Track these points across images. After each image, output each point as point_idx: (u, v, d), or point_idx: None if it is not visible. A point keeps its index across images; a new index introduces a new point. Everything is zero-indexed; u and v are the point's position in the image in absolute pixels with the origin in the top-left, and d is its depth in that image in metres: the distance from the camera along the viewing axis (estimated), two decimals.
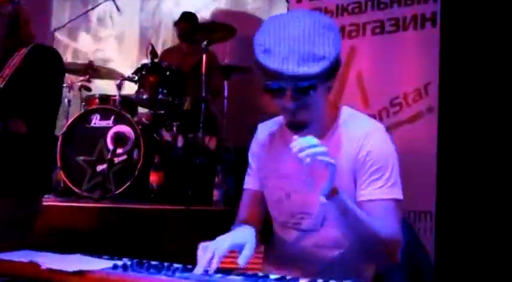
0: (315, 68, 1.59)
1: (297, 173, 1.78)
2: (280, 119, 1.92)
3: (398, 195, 1.74)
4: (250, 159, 1.99)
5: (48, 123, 2.53)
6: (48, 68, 2.48)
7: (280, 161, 1.86)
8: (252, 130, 2.06)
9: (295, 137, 1.54)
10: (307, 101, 1.67)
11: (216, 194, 3.91)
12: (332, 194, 1.56)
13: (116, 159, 3.93)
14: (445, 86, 3.54)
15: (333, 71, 1.67)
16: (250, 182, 1.97)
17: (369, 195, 1.72)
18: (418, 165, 3.34)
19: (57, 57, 2.56)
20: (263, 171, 1.92)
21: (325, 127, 1.80)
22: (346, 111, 1.85)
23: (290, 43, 1.61)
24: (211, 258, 1.50)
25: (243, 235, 1.66)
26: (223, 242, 1.57)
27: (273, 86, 1.66)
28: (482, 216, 3.43)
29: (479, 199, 3.46)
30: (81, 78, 4.50)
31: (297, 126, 1.72)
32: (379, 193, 1.71)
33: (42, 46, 2.56)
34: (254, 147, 1.97)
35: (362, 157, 1.74)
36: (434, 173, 3.45)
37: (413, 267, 2.02)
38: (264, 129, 1.97)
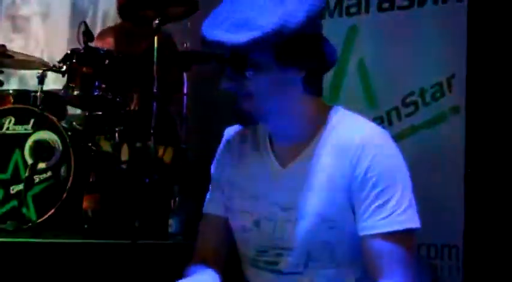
0: (239, 37, 1.62)
1: (270, 193, 1.82)
2: (251, 125, 1.94)
3: (413, 222, 1.72)
4: (213, 173, 2.00)
5: None
6: None
7: (249, 177, 1.87)
8: (221, 137, 2.06)
9: None
10: (248, 85, 1.71)
11: (172, 223, 3.88)
12: None
13: (37, 178, 3.88)
14: (474, 79, 3.57)
15: (286, 51, 1.68)
16: (211, 205, 1.98)
17: (373, 229, 1.70)
18: (440, 183, 3.36)
19: None
20: (228, 190, 1.93)
21: (309, 132, 1.81)
22: (337, 112, 1.84)
23: (231, 6, 1.70)
24: None
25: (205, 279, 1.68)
26: None
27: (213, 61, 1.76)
28: None
29: None
30: None
31: (241, 118, 1.79)
32: (385, 224, 1.69)
33: None
34: (219, 158, 1.99)
35: (360, 174, 1.72)
36: (461, 194, 3.47)
37: None
38: (232, 135, 1.98)
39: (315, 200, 1.75)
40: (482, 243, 3.48)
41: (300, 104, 1.79)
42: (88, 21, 4.82)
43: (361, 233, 1.72)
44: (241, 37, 1.62)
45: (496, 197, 3.52)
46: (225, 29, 1.64)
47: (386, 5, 3.81)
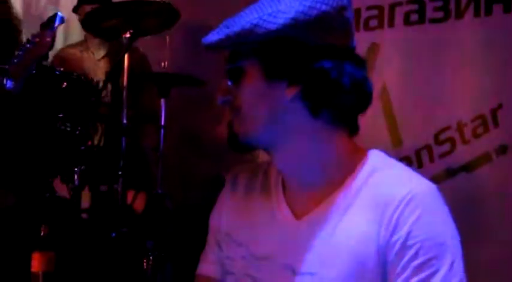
0: (217, 35, 1.75)
1: (280, 252, 1.81)
2: (262, 166, 1.96)
3: None
4: (211, 226, 2.00)
5: None
6: None
7: (257, 232, 1.86)
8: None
9: None
10: (239, 99, 1.77)
11: None
12: None
13: None
14: None
15: (274, 60, 1.72)
16: (206, 265, 1.98)
17: None
18: (483, 243, 3.34)
19: None
20: (228, 247, 1.92)
21: (334, 178, 1.79)
22: (375, 158, 1.82)
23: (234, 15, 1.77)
24: None
25: None
26: None
27: None
28: None
29: None
30: None
31: (230, 140, 1.83)
32: None
33: None
34: (219, 207, 1.99)
35: (400, 240, 1.68)
36: (510, 256, 3.45)
37: None
38: (238, 178, 1.99)
39: (338, 265, 1.72)
40: None
41: (313, 139, 1.77)
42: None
43: None
44: (218, 35, 1.75)
45: None
46: (216, 31, 1.75)
47: (415, 17, 3.82)
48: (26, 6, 6.37)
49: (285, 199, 1.85)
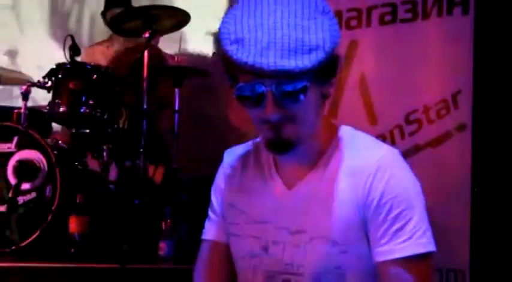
0: (305, 61, 1.58)
1: (276, 217, 1.81)
2: (255, 143, 1.93)
3: (431, 246, 1.71)
4: (213, 198, 1.98)
5: None
6: None
7: (253, 200, 1.86)
8: (214, 156, 2.06)
9: None
10: (295, 110, 1.66)
11: (163, 246, 3.88)
12: None
13: (21, 199, 3.87)
14: (480, 96, 3.57)
15: (330, 68, 1.67)
16: (211, 231, 1.96)
17: (391, 254, 1.69)
18: (445, 206, 3.36)
19: None
20: (231, 215, 1.91)
21: (317, 152, 1.80)
22: (346, 132, 1.84)
23: (269, 30, 1.61)
24: None
25: None
26: None
27: (248, 89, 1.65)
28: None
29: None
30: None
31: (281, 146, 1.72)
32: (405, 249, 1.69)
33: None
34: (219, 181, 1.97)
35: (375, 200, 1.71)
36: (467, 216, 3.47)
37: None
38: (233, 157, 1.97)
39: (325, 224, 1.74)
40: (489, 268, 3.48)
41: (320, 123, 1.80)
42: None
43: (379, 259, 1.71)
44: (303, 62, 1.58)
45: (505, 219, 3.52)
46: (279, 55, 1.57)
47: (388, 17, 3.81)
48: (53, 4, 6.34)
49: (277, 173, 1.85)
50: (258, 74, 1.60)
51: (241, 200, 1.89)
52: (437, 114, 3.63)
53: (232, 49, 1.62)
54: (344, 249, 1.73)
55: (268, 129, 1.70)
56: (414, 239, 1.69)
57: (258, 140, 1.92)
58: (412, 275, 1.69)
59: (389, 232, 1.70)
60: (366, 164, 1.75)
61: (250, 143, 1.97)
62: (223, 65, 1.69)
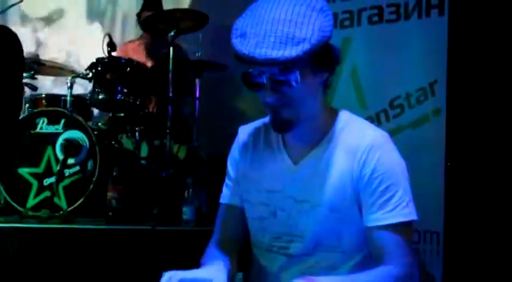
0: (291, 52, 1.58)
1: (285, 187, 1.83)
2: (265, 121, 1.92)
3: (414, 215, 1.74)
4: (229, 168, 1.98)
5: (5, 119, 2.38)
6: (6, 51, 2.35)
7: (264, 172, 1.88)
8: (229, 136, 2.06)
9: None
10: (290, 94, 1.68)
11: (185, 211, 3.91)
12: None
13: (67, 171, 3.91)
14: (454, 85, 3.57)
15: (322, 57, 1.68)
16: (228, 196, 1.96)
17: (380, 221, 1.73)
18: (423, 177, 3.36)
19: (16, 38, 2.42)
20: (244, 183, 1.92)
21: (319, 134, 1.82)
22: (344, 116, 1.85)
23: (267, 25, 1.62)
24: None
25: (212, 271, 1.67)
26: (188, 274, 1.60)
27: (250, 76, 1.69)
28: (499, 238, 3.45)
29: (496, 218, 3.47)
30: (25, 74, 4.46)
31: (281, 126, 1.75)
32: (391, 217, 1.72)
33: None
34: (235, 154, 1.97)
35: (367, 175, 1.74)
36: (442, 186, 3.48)
37: None
38: (246, 133, 1.96)
39: (325, 194, 1.77)
40: (460, 229, 3.50)
41: (320, 108, 1.81)
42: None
43: (368, 225, 1.74)
44: (292, 51, 1.58)
45: (473, 188, 3.53)
46: (271, 47, 1.59)
47: (376, 18, 3.81)
48: (89, 3, 6.33)
49: (285, 149, 1.86)
50: (252, 62, 1.63)
51: (253, 172, 1.90)
52: (417, 100, 3.63)
53: (236, 41, 1.66)
54: (340, 215, 1.76)
55: (270, 111, 1.74)
56: (398, 209, 1.72)
57: (267, 120, 1.90)
58: (395, 239, 1.71)
59: (377, 203, 1.73)
60: (361, 143, 1.77)
61: (261, 121, 1.96)
62: (234, 57, 1.69)
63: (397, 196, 1.72)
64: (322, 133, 1.81)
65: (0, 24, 2.47)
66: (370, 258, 1.77)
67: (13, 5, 4.54)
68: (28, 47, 5.85)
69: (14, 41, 2.41)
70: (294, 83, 1.65)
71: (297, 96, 1.69)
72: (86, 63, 4.38)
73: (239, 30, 1.67)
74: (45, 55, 5.09)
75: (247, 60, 1.63)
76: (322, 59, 1.69)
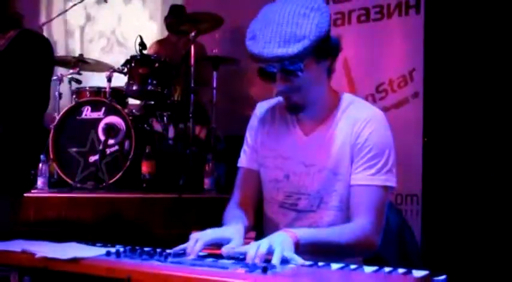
0: (293, 49, 1.59)
1: (296, 156, 1.82)
2: (280, 99, 1.90)
3: (391, 182, 1.74)
4: (248, 137, 1.95)
5: (31, 117, 2.29)
6: (36, 54, 2.28)
7: (279, 141, 1.86)
8: (241, 119, 2.03)
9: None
10: (297, 82, 1.68)
11: (207, 182, 3.91)
12: (296, 249, 1.51)
13: (108, 150, 3.91)
14: (429, 72, 3.56)
15: (320, 50, 1.65)
16: (246, 160, 1.93)
17: (360, 180, 1.73)
18: (405, 149, 3.34)
19: (47, 43, 2.35)
20: (262, 150, 1.90)
21: (326, 111, 1.81)
22: (347, 97, 1.84)
23: (273, 27, 1.63)
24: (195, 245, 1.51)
25: (231, 231, 1.64)
26: (210, 234, 1.58)
27: (265, 70, 1.68)
28: (468, 199, 3.46)
29: (465, 182, 3.49)
30: (71, 70, 4.46)
31: (294, 109, 1.76)
32: (370, 179, 1.72)
33: (32, 31, 2.35)
34: (253, 124, 1.94)
35: (360, 143, 1.74)
36: (420, 157, 3.47)
37: (402, 250, 2.03)
38: (263, 108, 1.95)
39: (329, 159, 1.77)
40: (435, 193, 3.52)
41: (326, 90, 1.79)
42: None
43: (352, 183, 1.74)
44: (295, 48, 1.59)
45: (446, 159, 3.55)
46: (276, 45, 1.60)
47: (363, 18, 3.79)
48: None
49: (297, 124, 1.85)
50: (262, 60, 1.64)
51: (270, 141, 1.88)
52: (398, 86, 3.62)
53: (249, 43, 1.67)
54: (340, 177, 1.76)
55: (283, 97, 1.76)
56: (378, 175, 1.72)
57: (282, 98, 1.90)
58: (369, 199, 1.71)
59: (363, 166, 1.73)
60: (360, 117, 1.77)
61: (277, 100, 1.93)
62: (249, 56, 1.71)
63: (380, 164, 1.72)
64: (328, 111, 1.80)
65: (35, 31, 2.40)
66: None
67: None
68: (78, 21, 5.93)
69: (45, 45, 2.34)
70: (299, 73, 1.65)
71: (304, 83, 1.68)
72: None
73: (251, 33, 1.68)
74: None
75: (258, 59, 1.65)
76: (323, 49, 1.66)
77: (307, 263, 1.41)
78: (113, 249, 1.48)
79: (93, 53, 5.80)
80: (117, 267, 1.33)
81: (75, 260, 1.39)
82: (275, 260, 1.38)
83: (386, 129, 1.78)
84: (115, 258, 1.41)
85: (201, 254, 1.52)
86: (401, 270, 1.31)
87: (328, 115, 1.81)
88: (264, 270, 1.23)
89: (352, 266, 1.38)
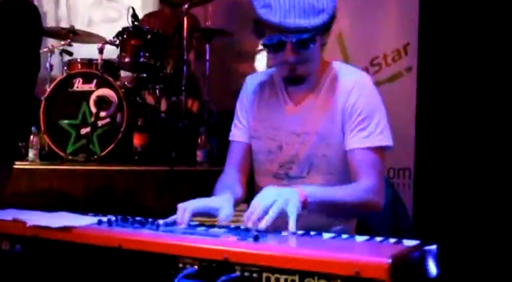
0: (315, 21, 1.61)
1: (287, 126, 1.83)
2: (270, 71, 1.92)
3: (387, 141, 1.75)
4: (238, 110, 1.96)
5: (21, 86, 2.23)
6: (23, 21, 2.20)
7: (270, 113, 1.87)
8: (233, 92, 2.03)
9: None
10: (306, 54, 1.69)
11: (199, 154, 3.91)
12: (303, 208, 1.52)
13: (100, 122, 3.88)
14: (424, 47, 3.56)
15: (330, 24, 1.68)
16: (238, 134, 1.94)
17: (356, 144, 1.74)
18: (398, 123, 3.34)
19: (34, 10, 2.26)
20: (253, 123, 1.90)
21: (318, 80, 1.82)
22: (337, 65, 1.86)
23: None
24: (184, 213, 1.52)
25: (220, 201, 1.65)
26: (197, 202, 1.59)
27: (273, 40, 1.67)
28: (460, 174, 3.48)
29: (457, 156, 3.51)
30: (62, 42, 4.41)
31: (296, 80, 1.77)
32: (365, 141, 1.73)
33: None
34: (243, 98, 1.95)
35: (349, 106, 1.75)
36: (413, 131, 3.48)
37: (393, 223, 2.05)
38: (253, 81, 1.95)
39: (319, 125, 1.78)
40: (427, 167, 3.53)
41: (320, 62, 1.80)
42: None
43: (348, 148, 1.75)
44: (314, 21, 1.60)
45: (438, 133, 3.56)
46: (298, 16, 1.60)
47: None
48: None
49: (288, 95, 1.86)
50: (283, 30, 1.62)
51: (261, 112, 1.89)
52: (392, 60, 3.63)
53: (262, 12, 1.64)
54: (329, 142, 1.78)
55: (286, 69, 1.74)
56: (372, 136, 1.73)
57: (271, 71, 1.92)
58: (367, 159, 1.73)
59: (355, 130, 1.75)
60: (348, 81, 1.78)
61: (266, 72, 1.95)
62: (252, 24, 1.70)
63: (372, 125, 1.74)
64: (318, 80, 1.81)
65: None
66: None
67: None
68: None
69: (32, 12, 2.27)
70: (311, 45, 1.67)
71: (311, 54, 1.70)
72: None
73: (262, 1, 1.65)
74: None
75: (277, 28, 1.63)
76: (331, 23, 1.69)
77: (300, 232, 1.42)
78: (104, 219, 1.49)
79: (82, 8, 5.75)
80: (108, 236, 1.33)
81: (66, 229, 1.39)
82: (271, 213, 1.43)
83: (373, 90, 1.80)
84: (106, 227, 1.42)
85: (192, 223, 1.52)
86: (392, 240, 1.32)
87: (317, 84, 1.82)
88: (256, 238, 1.24)
89: (344, 236, 1.39)
